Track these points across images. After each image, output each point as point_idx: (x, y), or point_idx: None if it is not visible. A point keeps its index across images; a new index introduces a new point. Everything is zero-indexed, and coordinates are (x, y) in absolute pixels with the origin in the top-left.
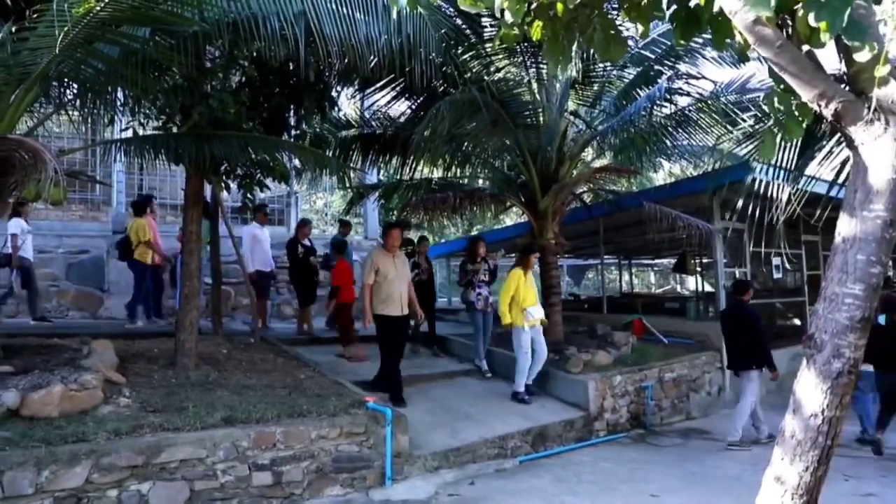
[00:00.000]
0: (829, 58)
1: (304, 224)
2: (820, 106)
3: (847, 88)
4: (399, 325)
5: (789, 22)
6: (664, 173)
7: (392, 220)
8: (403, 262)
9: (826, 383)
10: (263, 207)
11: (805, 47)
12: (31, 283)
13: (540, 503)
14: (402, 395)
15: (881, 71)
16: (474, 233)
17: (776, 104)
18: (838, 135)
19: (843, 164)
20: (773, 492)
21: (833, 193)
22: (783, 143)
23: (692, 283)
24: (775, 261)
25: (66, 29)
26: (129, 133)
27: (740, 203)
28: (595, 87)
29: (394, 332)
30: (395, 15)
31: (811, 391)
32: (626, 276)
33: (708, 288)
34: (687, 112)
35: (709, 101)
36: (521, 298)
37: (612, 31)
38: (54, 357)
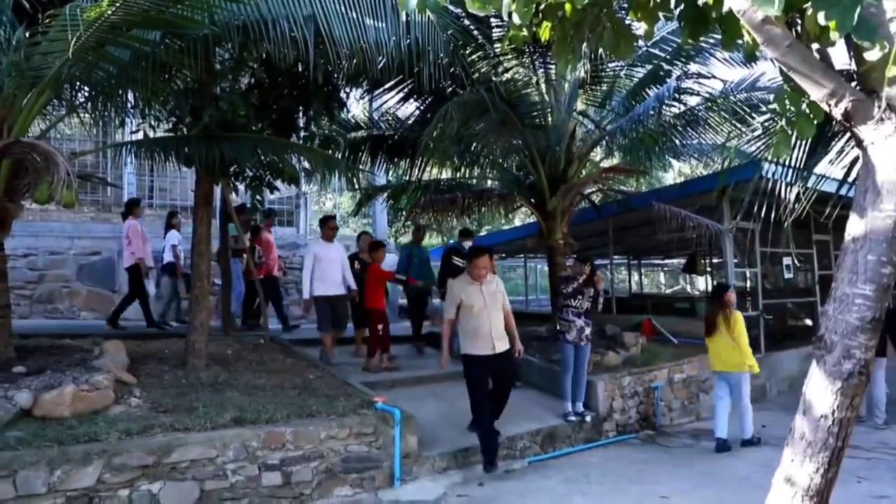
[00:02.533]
0: (840, 55)
1: (364, 235)
2: (830, 105)
3: (857, 87)
4: (491, 366)
5: (798, 21)
6: (674, 173)
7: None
8: (494, 289)
9: (836, 384)
10: (330, 220)
11: (815, 46)
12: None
13: None
14: (496, 460)
15: (891, 70)
16: (483, 233)
17: (787, 103)
18: (848, 133)
19: (853, 162)
20: (784, 493)
21: (843, 192)
22: (795, 143)
23: (702, 283)
24: (786, 261)
25: (78, 33)
26: (140, 135)
27: (747, 202)
28: (604, 87)
29: (481, 375)
30: (403, 17)
31: (821, 392)
32: (635, 277)
33: None
34: (696, 111)
35: (719, 101)
36: None
37: (622, 30)
38: (66, 358)
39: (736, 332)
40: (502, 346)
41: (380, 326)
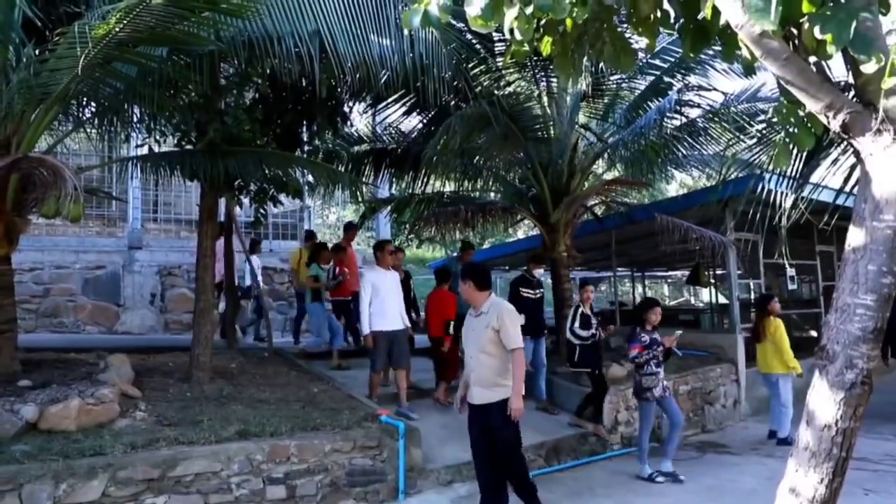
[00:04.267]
0: (838, 67)
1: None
2: (828, 117)
3: (855, 99)
4: (475, 419)
5: (796, 34)
6: (676, 185)
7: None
8: (485, 324)
9: (839, 394)
10: (386, 244)
11: (812, 59)
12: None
13: None
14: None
15: (887, 82)
16: (487, 246)
17: (786, 115)
18: (844, 143)
19: (851, 170)
20: None
21: (840, 201)
22: (793, 153)
23: (706, 294)
24: (789, 272)
25: (86, 49)
26: (146, 150)
27: (741, 211)
28: (605, 100)
29: (469, 427)
30: (407, 33)
31: (824, 403)
32: (639, 289)
33: (722, 300)
34: (697, 123)
35: (720, 112)
36: None
37: (622, 44)
38: (71, 371)
39: (777, 337)
40: (482, 396)
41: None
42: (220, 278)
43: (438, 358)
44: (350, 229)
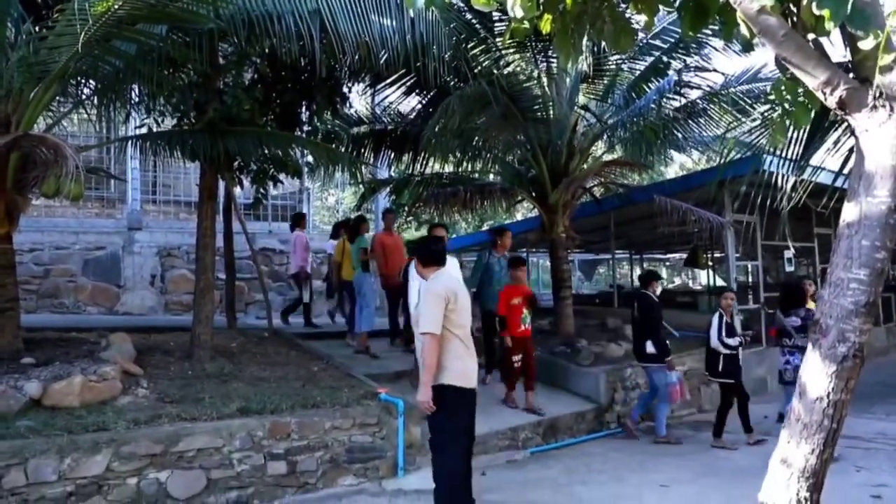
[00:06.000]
0: (838, 45)
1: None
2: (825, 93)
3: (852, 76)
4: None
5: (794, 11)
6: (676, 167)
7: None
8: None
9: (831, 367)
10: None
11: (811, 36)
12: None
13: (550, 493)
14: None
15: (884, 59)
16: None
17: (783, 93)
18: (845, 124)
19: (850, 153)
20: (780, 474)
21: (839, 184)
22: (792, 133)
23: (704, 277)
24: (787, 254)
25: (86, 26)
26: (145, 130)
27: (742, 193)
28: (605, 81)
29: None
30: (411, 13)
31: (817, 375)
32: (637, 271)
33: (720, 282)
34: (697, 103)
35: (720, 93)
36: None
37: (622, 22)
38: (74, 349)
39: None
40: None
41: (515, 358)
42: (296, 269)
43: (508, 359)
44: (389, 213)
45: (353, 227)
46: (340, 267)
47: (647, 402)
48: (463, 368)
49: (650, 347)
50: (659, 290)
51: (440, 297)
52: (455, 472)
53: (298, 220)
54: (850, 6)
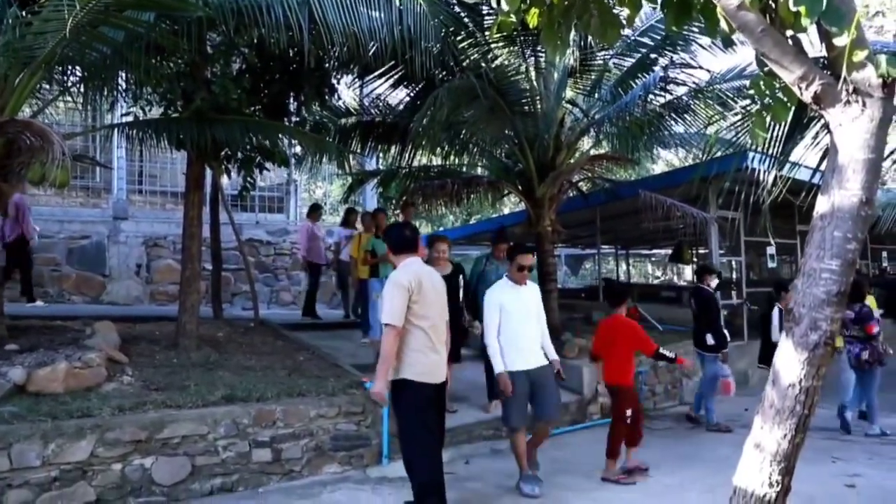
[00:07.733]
0: (816, 42)
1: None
2: (801, 89)
3: (828, 72)
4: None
5: (773, 6)
6: (663, 164)
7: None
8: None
9: (803, 355)
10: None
11: (789, 33)
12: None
13: None
14: None
15: (857, 55)
16: (473, 222)
17: (763, 88)
18: (822, 120)
19: (827, 150)
20: (753, 458)
21: (816, 180)
22: (772, 130)
23: (689, 272)
24: (769, 250)
25: (73, 12)
26: (131, 118)
27: (727, 189)
28: (592, 77)
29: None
30: (396, 3)
31: (789, 362)
32: (623, 266)
33: None
34: (683, 100)
35: (705, 90)
36: None
37: (608, 16)
38: (58, 337)
39: None
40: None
41: (627, 412)
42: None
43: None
44: (407, 206)
45: (374, 221)
46: (356, 263)
47: (706, 391)
48: (425, 363)
49: (710, 339)
50: (714, 283)
51: (402, 288)
52: (422, 470)
53: (310, 212)
54: (824, 3)
